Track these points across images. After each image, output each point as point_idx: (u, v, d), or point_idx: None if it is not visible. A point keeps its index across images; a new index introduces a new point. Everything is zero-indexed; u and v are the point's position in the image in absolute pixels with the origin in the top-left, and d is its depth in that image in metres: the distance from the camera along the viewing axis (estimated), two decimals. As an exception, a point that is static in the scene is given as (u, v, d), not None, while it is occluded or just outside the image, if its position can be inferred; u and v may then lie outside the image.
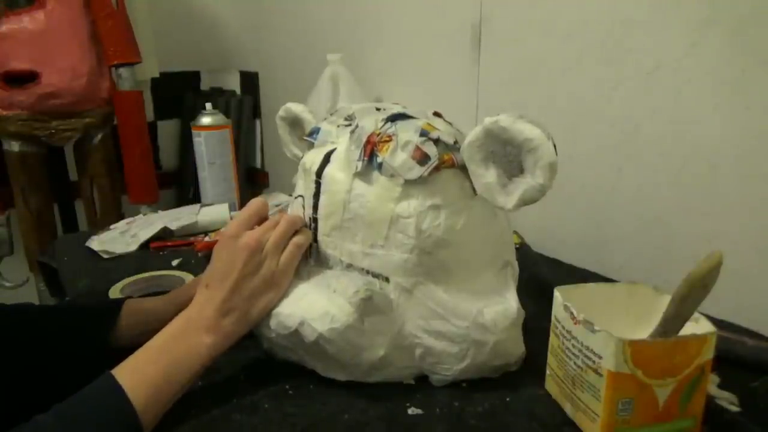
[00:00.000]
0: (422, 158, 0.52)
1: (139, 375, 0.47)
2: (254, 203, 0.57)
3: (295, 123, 0.70)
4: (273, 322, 0.53)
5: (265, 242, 0.54)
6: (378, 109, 0.59)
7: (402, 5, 1.15)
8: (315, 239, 0.57)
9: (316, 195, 0.56)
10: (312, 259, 0.58)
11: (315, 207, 0.56)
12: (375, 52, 1.26)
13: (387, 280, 0.53)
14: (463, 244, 0.54)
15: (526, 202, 0.50)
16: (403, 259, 0.53)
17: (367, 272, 0.54)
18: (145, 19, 1.76)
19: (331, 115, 0.62)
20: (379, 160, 0.53)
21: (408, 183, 0.52)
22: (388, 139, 0.53)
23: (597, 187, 0.83)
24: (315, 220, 0.56)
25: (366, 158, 0.53)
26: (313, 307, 0.52)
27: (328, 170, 0.55)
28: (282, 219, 0.56)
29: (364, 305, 0.51)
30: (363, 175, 0.53)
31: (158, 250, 0.96)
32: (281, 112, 0.71)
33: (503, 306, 0.54)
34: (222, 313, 0.52)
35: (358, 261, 0.54)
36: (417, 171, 0.51)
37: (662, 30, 0.71)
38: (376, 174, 0.53)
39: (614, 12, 0.76)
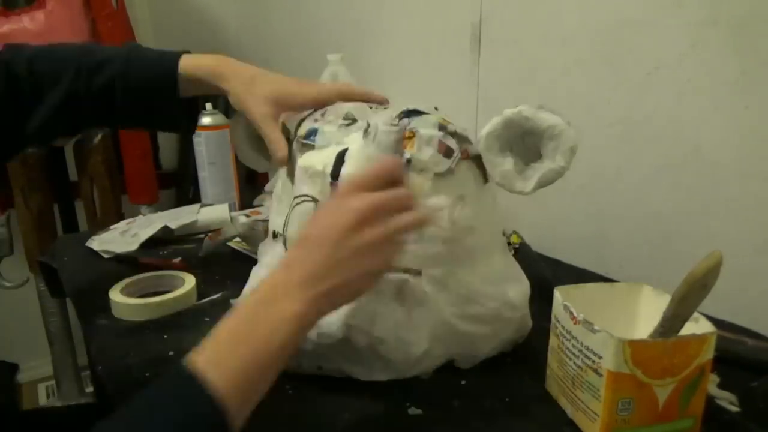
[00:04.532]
0: (447, 151, 0.54)
1: (223, 367, 0.38)
2: (387, 164, 0.48)
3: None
4: (312, 333, 0.52)
5: (380, 211, 0.45)
6: (370, 107, 0.61)
7: (402, 5, 1.15)
8: None
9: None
10: None
11: None
12: (375, 52, 1.26)
13: (419, 273, 0.54)
14: (482, 230, 0.57)
15: (543, 184, 0.53)
16: (437, 251, 0.54)
17: (397, 269, 0.54)
18: (145, 19, 1.75)
19: (322, 116, 0.61)
20: (407, 156, 0.54)
21: (436, 176, 0.54)
22: (411, 135, 0.54)
23: (597, 186, 0.83)
24: None
25: None
26: (358, 311, 0.52)
27: (347, 171, 0.55)
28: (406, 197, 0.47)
29: (408, 300, 0.52)
30: None
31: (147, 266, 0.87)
32: (238, 116, 0.66)
33: (521, 283, 0.59)
34: (314, 279, 0.43)
35: None
36: (445, 164, 0.54)
37: (662, 30, 0.71)
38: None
39: (614, 12, 0.76)
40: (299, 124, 0.63)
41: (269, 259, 0.62)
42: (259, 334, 0.41)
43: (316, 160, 0.57)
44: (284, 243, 0.59)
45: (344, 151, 0.56)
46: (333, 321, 0.52)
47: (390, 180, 0.46)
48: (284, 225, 0.59)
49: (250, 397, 0.39)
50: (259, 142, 0.68)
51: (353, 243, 0.43)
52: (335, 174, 0.55)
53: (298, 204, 0.58)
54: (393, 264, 0.47)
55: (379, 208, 0.45)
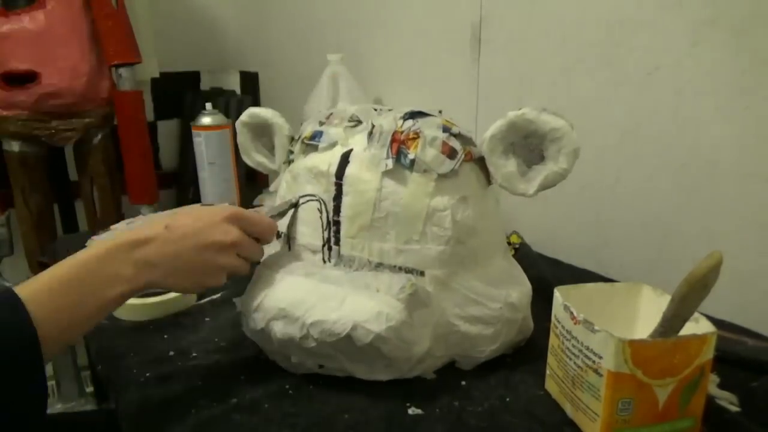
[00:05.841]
0: (451, 153, 0.55)
1: (46, 298, 0.43)
2: (268, 224, 0.56)
3: (261, 129, 0.68)
4: (316, 331, 0.52)
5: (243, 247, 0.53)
6: (375, 110, 0.60)
7: (402, 5, 1.15)
8: (337, 242, 0.56)
9: (338, 197, 0.56)
10: (332, 262, 0.57)
11: (337, 209, 0.56)
12: (375, 52, 1.26)
13: (422, 273, 0.54)
14: (485, 232, 0.57)
15: (546, 186, 0.54)
16: (440, 251, 0.54)
17: (400, 269, 0.55)
18: (145, 19, 1.75)
19: (327, 119, 0.61)
20: (411, 156, 0.54)
21: (440, 177, 0.54)
22: (415, 136, 0.55)
23: (597, 187, 0.83)
24: (337, 222, 0.56)
25: (394, 156, 0.54)
26: (362, 310, 0.52)
27: (351, 171, 0.55)
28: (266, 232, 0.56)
29: (412, 300, 0.52)
30: (392, 172, 0.54)
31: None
32: (244, 117, 0.68)
33: (522, 285, 0.59)
34: (161, 262, 0.48)
35: (391, 259, 0.55)
36: (448, 165, 0.54)
37: (662, 30, 0.71)
38: (406, 171, 0.54)
39: (614, 12, 0.76)
40: (297, 139, 0.63)
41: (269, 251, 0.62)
42: (91, 286, 0.45)
43: (321, 160, 0.58)
44: (288, 242, 0.59)
45: (349, 151, 0.57)
46: (335, 318, 0.52)
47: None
48: (288, 224, 0.60)
49: (66, 338, 0.44)
50: (264, 145, 0.68)
51: (212, 256, 0.50)
52: (340, 174, 0.56)
53: (302, 204, 0.59)
54: (245, 270, 0.54)
55: (245, 219, 0.53)
